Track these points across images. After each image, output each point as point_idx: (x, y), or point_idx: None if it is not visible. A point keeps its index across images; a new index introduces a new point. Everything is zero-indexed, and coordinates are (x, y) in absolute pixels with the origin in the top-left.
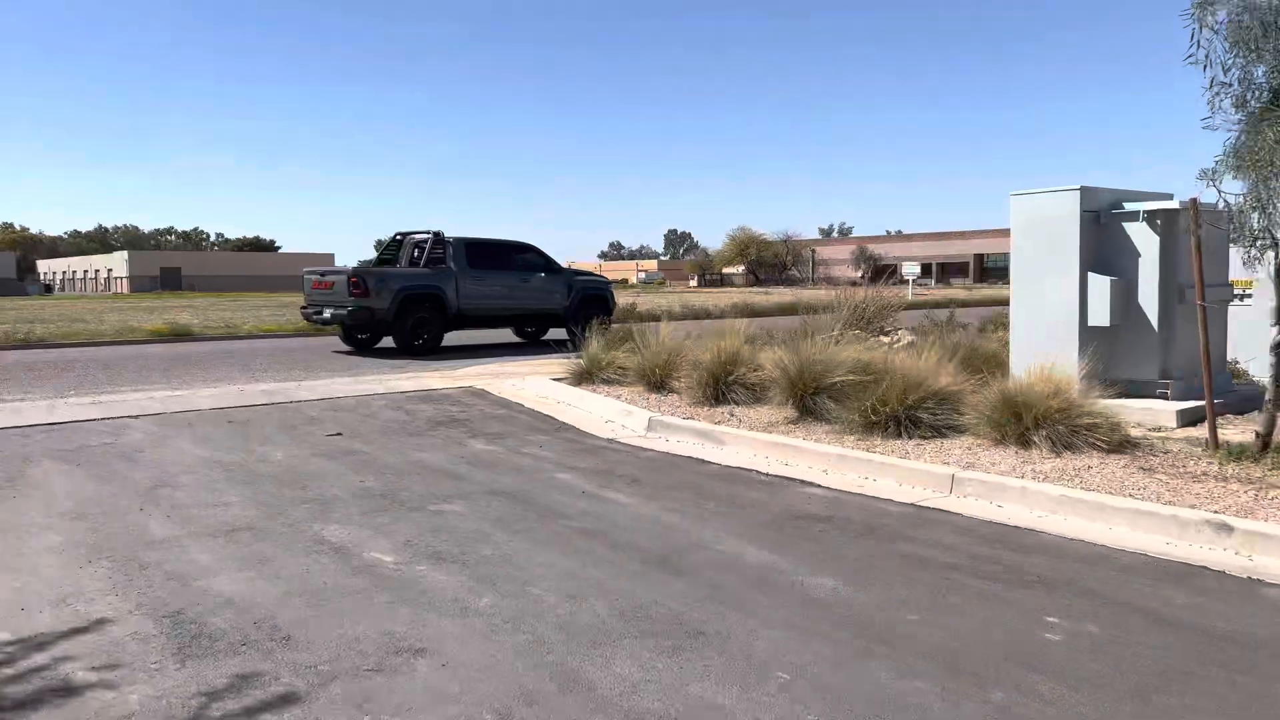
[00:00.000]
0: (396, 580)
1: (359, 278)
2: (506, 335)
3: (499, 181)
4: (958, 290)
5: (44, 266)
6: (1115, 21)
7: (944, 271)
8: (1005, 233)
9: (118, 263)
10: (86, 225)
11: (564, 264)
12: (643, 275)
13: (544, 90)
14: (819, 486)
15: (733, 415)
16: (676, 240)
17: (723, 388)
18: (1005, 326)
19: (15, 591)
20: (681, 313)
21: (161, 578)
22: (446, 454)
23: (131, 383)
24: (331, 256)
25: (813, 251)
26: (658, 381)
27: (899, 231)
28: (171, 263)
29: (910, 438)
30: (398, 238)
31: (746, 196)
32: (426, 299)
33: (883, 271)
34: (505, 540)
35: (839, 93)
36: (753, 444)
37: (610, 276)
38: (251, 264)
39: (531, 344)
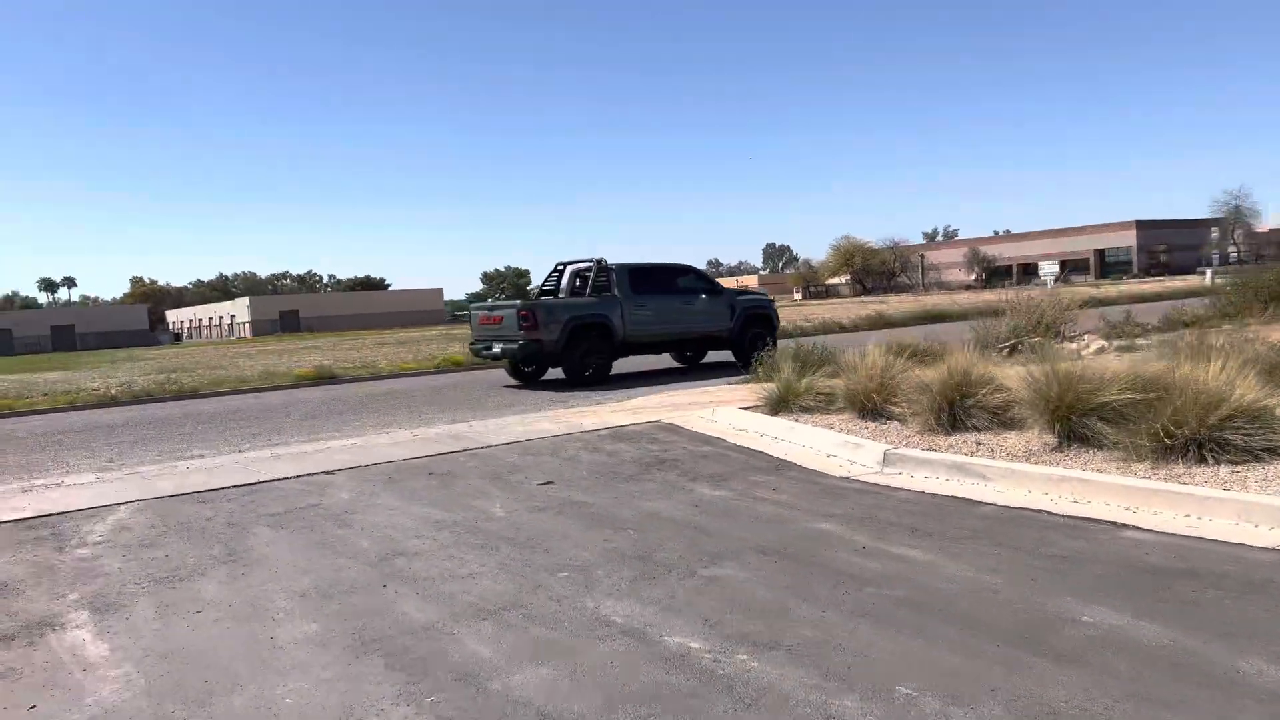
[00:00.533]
0: (726, 678)
1: (529, 311)
2: (666, 361)
3: (591, 207)
4: (1093, 287)
5: (172, 316)
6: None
7: (1063, 269)
8: (1128, 226)
9: (240, 309)
10: (208, 274)
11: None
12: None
13: (630, 115)
14: (1140, 530)
15: (979, 444)
16: (775, 254)
17: (959, 412)
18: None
19: (297, 703)
20: (814, 328)
21: (450, 678)
22: (675, 502)
23: (303, 432)
24: (440, 291)
25: (921, 257)
26: (872, 407)
27: (1008, 231)
28: (289, 306)
29: (1218, 464)
30: (558, 268)
31: (844, 206)
32: (594, 328)
33: (998, 273)
34: (816, 615)
35: (931, 91)
36: (1022, 478)
37: None
38: (363, 303)
39: (693, 368)
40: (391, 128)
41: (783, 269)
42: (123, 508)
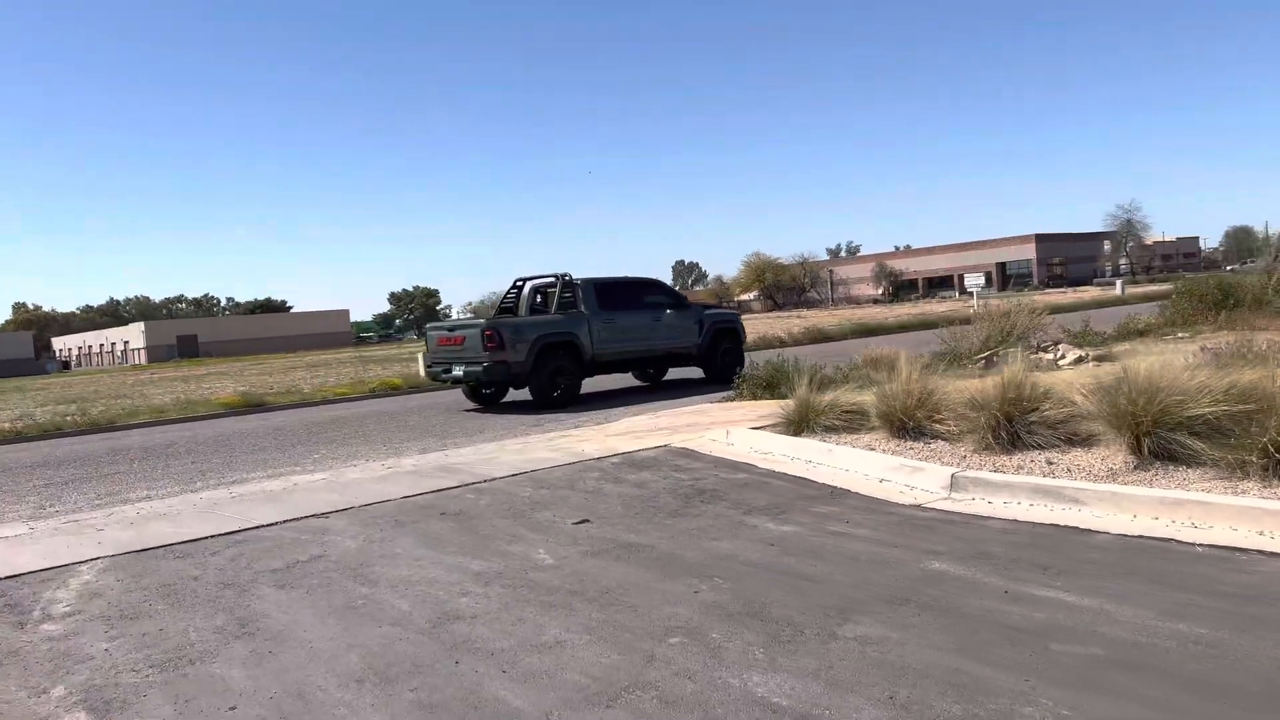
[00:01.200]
0: None
1: (494, 330)
2: (627, 380)
3: (495, 222)
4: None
5: (59, 343)
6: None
7: (964, 282)
8: (1028, 239)
9: (134, 334)
10: (97, 298)
11: None
12: None
13: (537, 136)
14: None
15: (1051, 464)
16: (685, 270)
17: (1018, 428)
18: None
19: None
20: (752, 343)
21: None
22: (744, 541)
23: (257, 467)
24: (347, 313)
25: (830, 272)
26: (912, 425)
27: (908, 246)
28: (187, 330)
29: None
30: (517, 284)
31: (751, 224)
32: (562, 347)
33: (904, 287)
34: (1019, 685)
35: (836, 109)
36: (1124, 502)
37: None
38: (265, 326)
39: (658, 387)
40: (292, 144)
41: (693, 285)
42: (83, 567)
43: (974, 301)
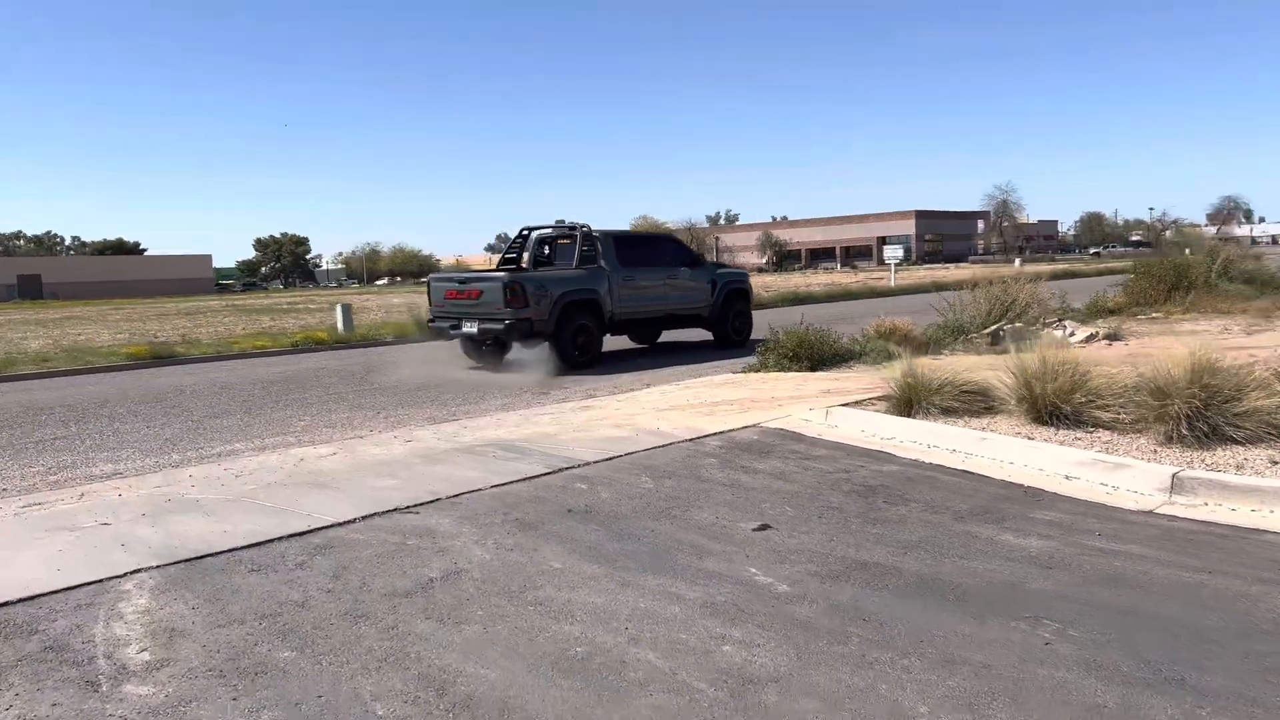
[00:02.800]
0: None
1: (519, 284)
2: (622, 342)
3: (374, 178)
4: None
5: None
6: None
7: (848, 255)
8: (908, 215)
9: None
10: None
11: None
12: None
13: (419, 85)
14: None
15: (1276, 462)
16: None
17: (1216, 419)
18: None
19: None
20: None
21: None
22: (1001, 561)
23: (232, 435)
24: (209, 258)
25: (716, 239)
26: (1061, 411)
27: (784, 218)
28: (28, 269)
29: None
30: (523, 233)
31: (631, 185)
32: (586, 304)
33: (788, 257)
34: None
35: (718, 78)
36: None
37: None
38: (118, 269)
39: (656, 350)
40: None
41: None
42: (127, 584)
43: (890, 272)
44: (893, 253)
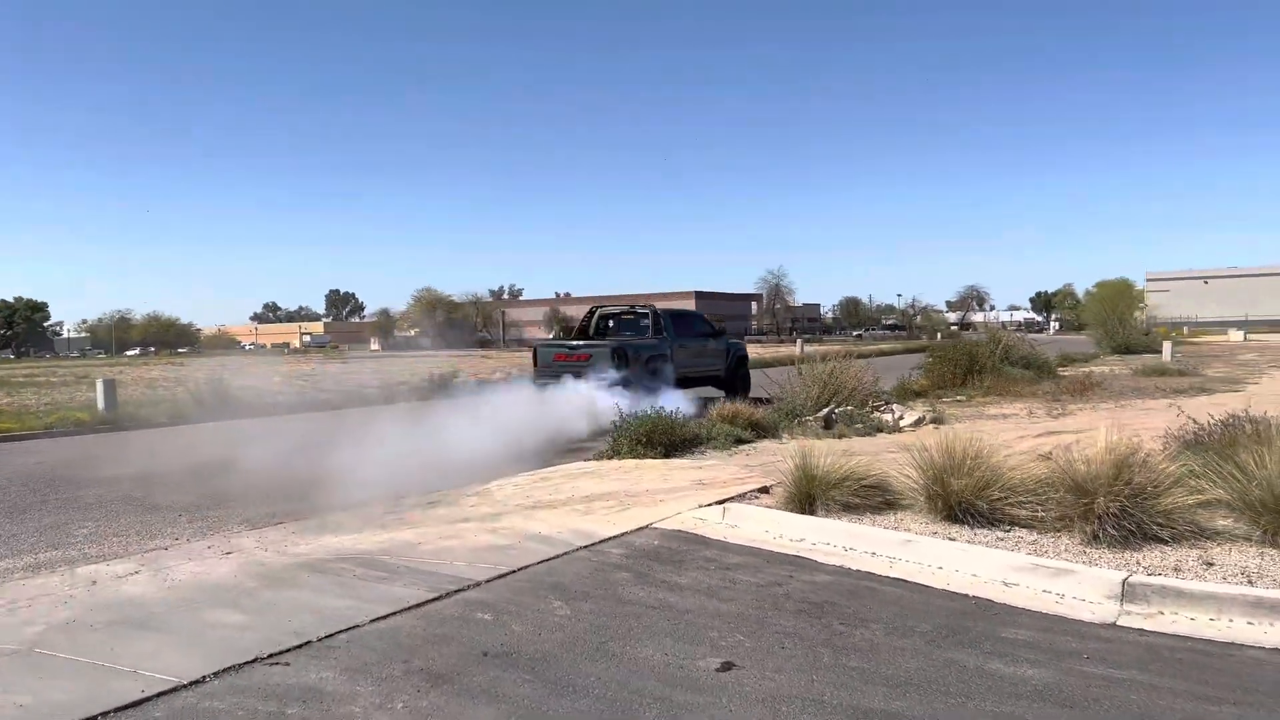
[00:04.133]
0: None
1: (624, 349)
2: None
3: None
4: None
5: None
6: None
7: None
8: (688, 295)
9: None
10: None
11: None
12: (309, 339)
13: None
14: None
15: (1209, 564)
16: (340, 301)
17: (1141, 517)
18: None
19: None
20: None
21: None
22: (1012, 701)
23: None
24: None
25: (503, 313)
26: (972, 508)
27: (568, 294)
28: None
29: None
30: (592, 311)
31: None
32: (658, 363)
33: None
34: None
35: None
36: None
37: (269, 341)
38: None
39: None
40: None
41: (347, 316)
42: None
43: None
44: None
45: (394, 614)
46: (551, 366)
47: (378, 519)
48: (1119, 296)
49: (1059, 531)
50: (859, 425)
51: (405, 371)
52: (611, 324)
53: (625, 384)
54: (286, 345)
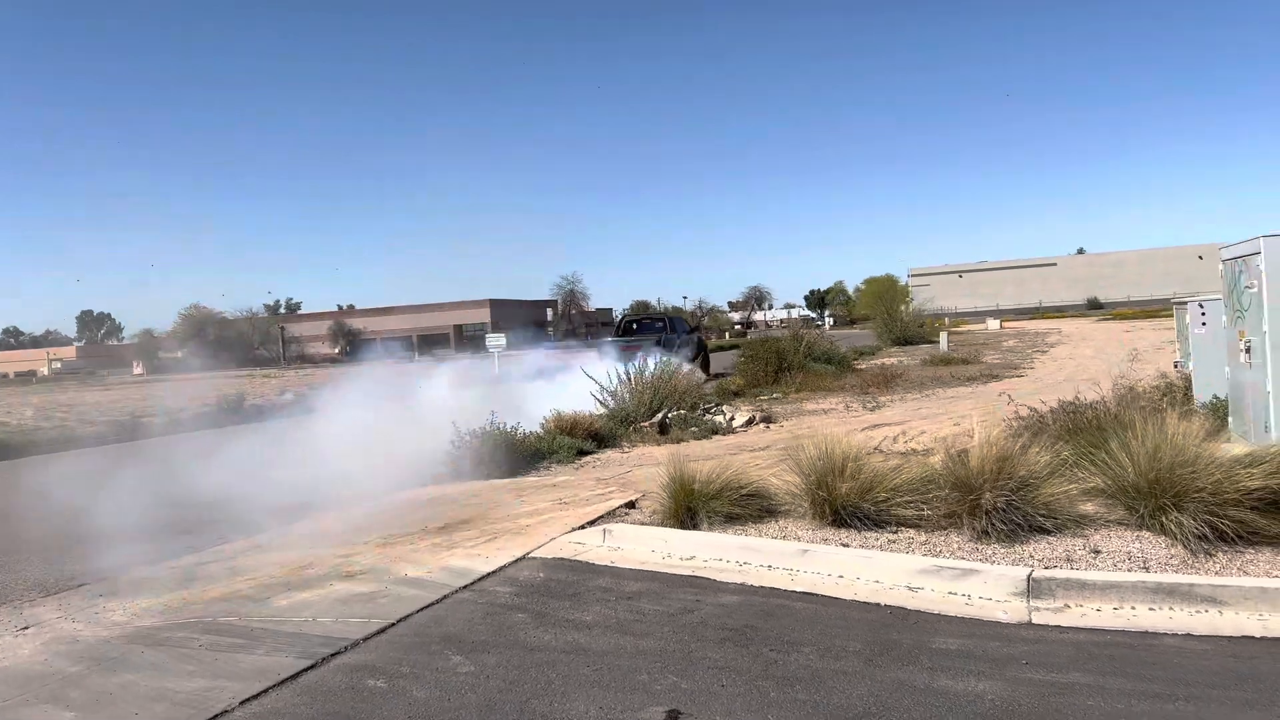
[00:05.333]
0: None
1: (659, 340)
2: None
3: None
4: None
5: None
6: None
7: (425, 342)
8: (483, 304)
9: None
10: None
11: None
12: (58, 364)
13: None
14: None
15: (1097, 551)
16: (94, 323)
17: (1026, 510)
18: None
19: None
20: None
21: None
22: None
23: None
24: None
25: (282, 328)
26: (857, 511)
27: (351, 306)
28: None
29: None
30: (625, 316)
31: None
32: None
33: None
34: None
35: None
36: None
37: (10, 370)
38: None
39: None
40: None
41: (104, 339)
42: None
43: (495, 360)
44: (496, 340)
45: (267, 691)
46: (625, 353)
47: (204, 571)
48: (887, 291)
49: (946, 529)
50: (694, 429)
51: (184, 395)
52: (636, 326)
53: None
54: (34, 373)
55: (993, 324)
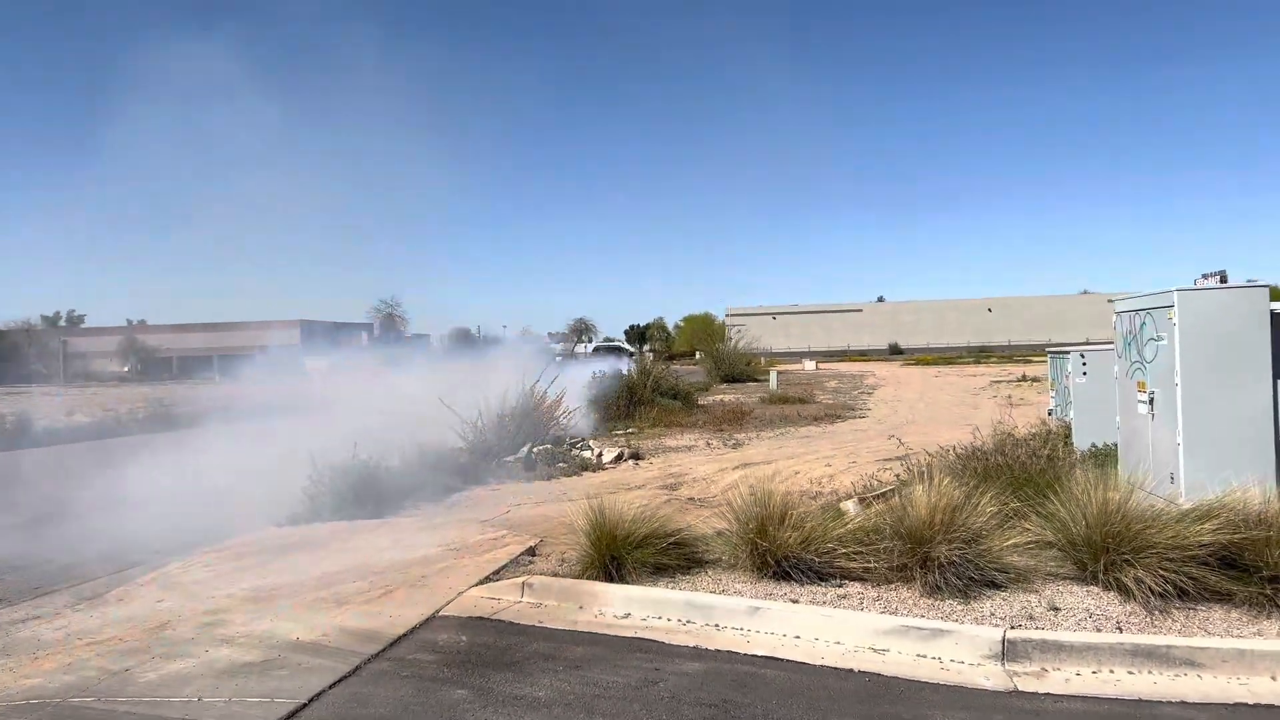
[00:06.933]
0: None
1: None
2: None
3: None
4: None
5: None
6: None
7: (226, 363)
8: (294, 324)
9: None
10: None
11: None
12: None
13: None
14: None
15: (1056, 609)
16: None
17: (979, 563)
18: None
19: None
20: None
21: None
22: None
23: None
24: None
25: (63, 342)
26: (797, 562)
27: (143, 321)
28: None
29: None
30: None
31: None
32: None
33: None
34: None
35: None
36: (1256, 662)
37: None
38: None
39: None
40: None
41: None
42: None
43: (317, 382)
44: (316, 363)
45: None
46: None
47: (27, 634)
48: (705, 329)
49: (893, 583)
50: (562, 464)
51: None
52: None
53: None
54: None
55: (809, 364)
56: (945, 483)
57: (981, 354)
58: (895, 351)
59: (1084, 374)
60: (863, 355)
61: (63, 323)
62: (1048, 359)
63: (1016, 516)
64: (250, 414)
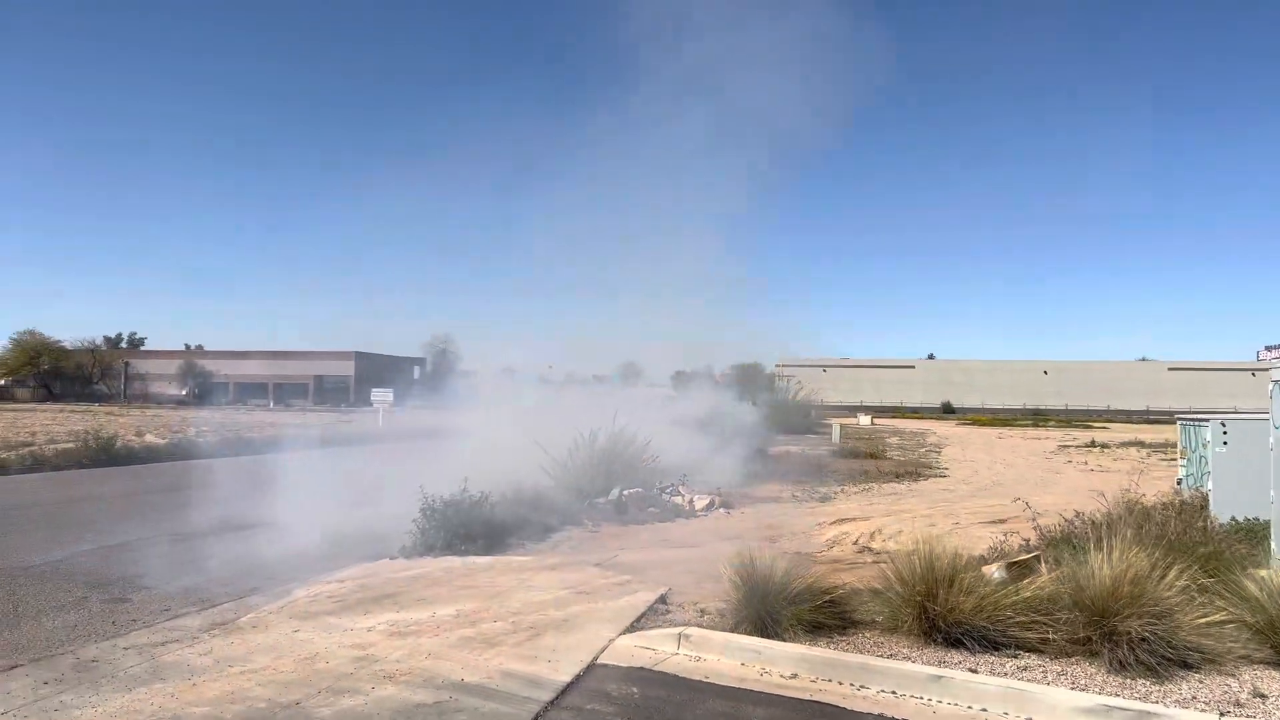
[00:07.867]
0: None
1: None
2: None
3: None
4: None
5: None
6: None
7: (281, 391)
8: (348, 355)
9: None
10: None
11: None
12: None
13: None
14: None
15: (1264, 697)
16: None
17: (1171, 638)
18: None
19: None
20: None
21: None
22: None
23: None
24: None
25: (126, 364)
26: (970, 630)
27: (200, 346)
28: None
29: None
30: None
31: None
32: None
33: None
34: None
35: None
36: None
37: None
38: None
39: None
40: None
41: None
42: None
43: (380, 416)
44: (382, 395)
45: None
46: None
47: (175, 657)
48: (752, 378)
49: (1074, 656)
50: (654, 509)
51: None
52: None
53: None
54: None
55: (864, 419)
56: (1134, 552)
57: (1037, 416)
58: (948, 410)
59: (1224, 443)
60: (915, 413)
61: (124, 344)
62: (1178, 427)
63: (1203, 591)
64: (342, 441)
